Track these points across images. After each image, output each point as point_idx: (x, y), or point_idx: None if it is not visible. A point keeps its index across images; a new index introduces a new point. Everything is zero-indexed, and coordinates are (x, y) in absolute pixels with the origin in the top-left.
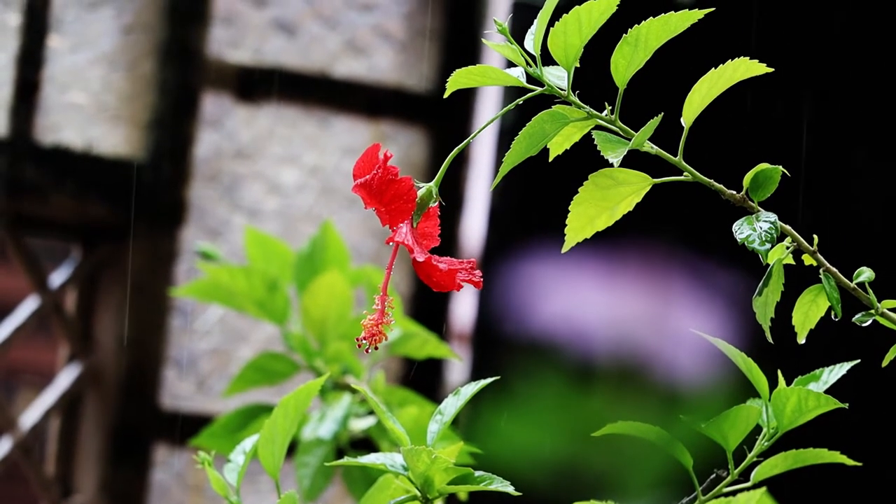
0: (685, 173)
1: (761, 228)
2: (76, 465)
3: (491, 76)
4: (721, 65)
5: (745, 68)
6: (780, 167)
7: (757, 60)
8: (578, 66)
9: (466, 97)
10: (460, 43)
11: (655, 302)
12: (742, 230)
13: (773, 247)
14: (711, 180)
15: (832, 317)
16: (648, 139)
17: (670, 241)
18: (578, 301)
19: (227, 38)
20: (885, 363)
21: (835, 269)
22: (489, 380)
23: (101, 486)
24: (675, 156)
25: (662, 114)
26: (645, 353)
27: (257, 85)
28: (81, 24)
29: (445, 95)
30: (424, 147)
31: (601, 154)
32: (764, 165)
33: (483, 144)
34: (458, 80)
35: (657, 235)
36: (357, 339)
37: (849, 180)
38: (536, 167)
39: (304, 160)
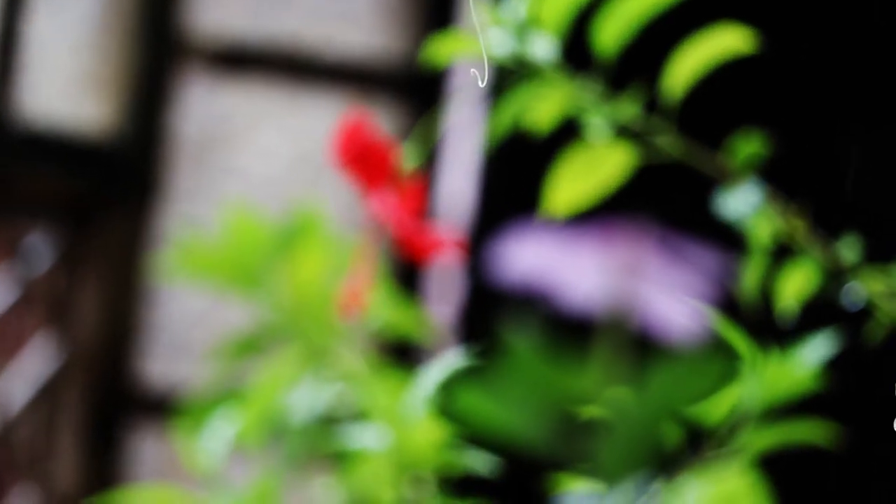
0: (671, 145)
1: (745, 201)
2: (55, 444)
3: (470, 44)
4: (699, 35)
5: (729, 43)
6: (767, 134)
7: (744, 31)
8: (569, 31)
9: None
10: (440, 9)
11: (638, 275)
12: (725, 203)
13: (757, 220)
14: (698, 153)
15: (817, 294)
16: (641, 114)
17: (650, 215)
18: (566, 274)
19: (209, 13)
20: (870, 338)
21: (823, 244)
22: (472, 354)
23: (81, 463)
24: (663, 131)
25: (644, 86)
26: (633, 324)
27: (240, 61)
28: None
29: (423, 67)
30: (405, 116)
31: (585, 128)
32: (749, 132)
33: (468, 111)
34: (435, 50)
35: (637, 210)
36: (339, 305)
37: (840, 152)
38: (525, 137)
39: (286, 134)
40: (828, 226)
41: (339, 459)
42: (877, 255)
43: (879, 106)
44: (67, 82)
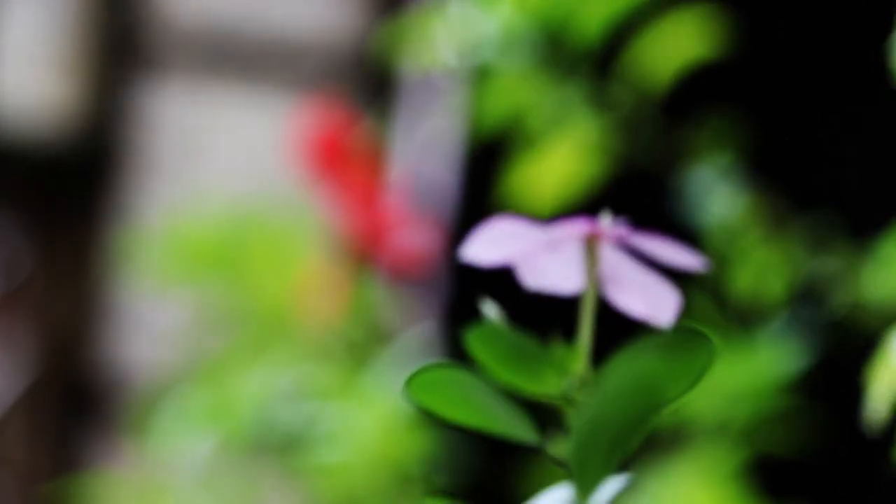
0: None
1: (712, 179)
2: (28, 443)
3: (437, 31)
4: (673, 20)
5: (693, 48)
6: (741, 115)
7: (717, 17)
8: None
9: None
10: None
11: (609, 264)
12: (694, 180)
13: (726, 199)
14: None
15: (786, 285)
16: (621, 103)
17: (623, 214)
18: (542, 261)
19: (170, 7)
20: (839, 347)
21: (798, 240)
22: (446, 344)
23: (51, 460)
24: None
25: (621, 74)
26: (606, 310)
27: (197, 53)
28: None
29: (384, 50)
30: (372, 100)
31: (560, 119)
32: (718, 116)
33: (438, 96)
34: (398, 37)
35: (609, 208)
36: (295, 298)
37: (818, 135)
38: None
39: (248, 126)
40: (804, 209)
41: (307, 451)
42: (853, 235)
43: (858, 88)
44: (21, 86)
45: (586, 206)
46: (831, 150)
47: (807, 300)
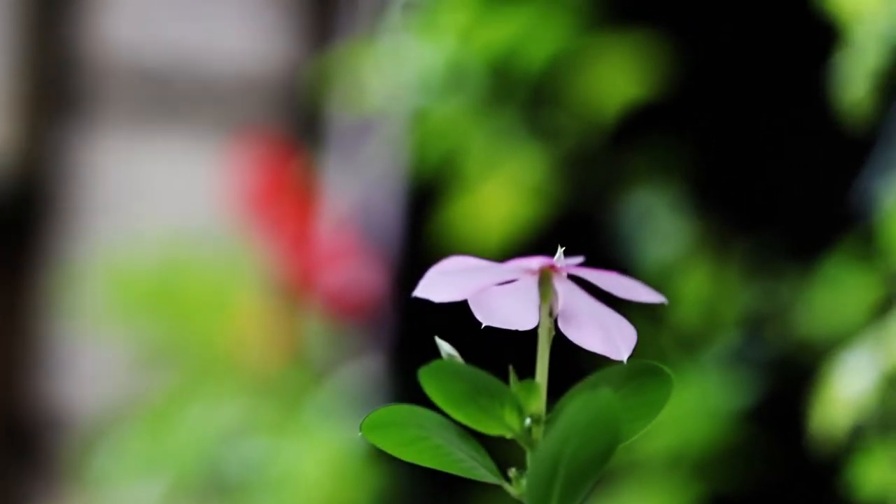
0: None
1: (651, 203)
2: None
3: (369, 67)
4: (615, 43)
5: (635, 80)
6: (677, 144)
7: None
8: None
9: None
10: (335, 17)
11: (560, 300)
12: (636, 203)
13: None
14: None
15: (734, 318)
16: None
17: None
18: (493, 297)
19: (104, 50)
20: (782, 382)
21: (742, 265)
22: (393, 380)
23: None
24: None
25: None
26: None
27: (134, 101)
28: None
29: (315, 81)
30: (305, 133)
31: (499, 156)
32: (659, 143)
33: (387, 129)
34: (328, 74)
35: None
36: (252, 344)
37: (760, 154)
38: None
39: (182, 175)
40: (748, 233)
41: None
42: (796, 259)
43: (799, 111)
44: None
45: (529, 241)
46: (773, 173)
47: (752, 326)
